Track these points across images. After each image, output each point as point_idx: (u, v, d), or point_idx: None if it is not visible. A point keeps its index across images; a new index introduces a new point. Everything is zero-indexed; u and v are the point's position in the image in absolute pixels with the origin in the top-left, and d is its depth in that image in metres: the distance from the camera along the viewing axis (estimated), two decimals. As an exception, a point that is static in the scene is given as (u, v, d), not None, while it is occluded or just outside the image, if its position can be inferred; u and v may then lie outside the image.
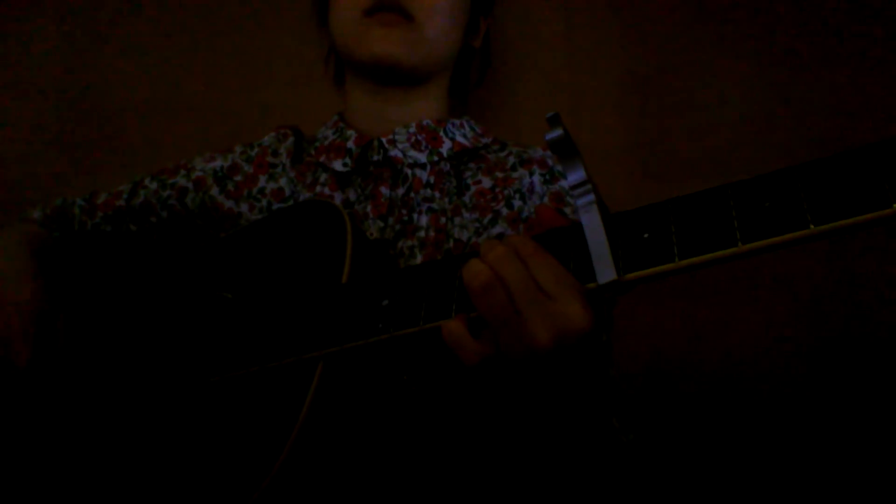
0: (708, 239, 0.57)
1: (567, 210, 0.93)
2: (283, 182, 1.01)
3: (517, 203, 0.94)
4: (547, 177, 0.96)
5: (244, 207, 1.00)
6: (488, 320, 0.62)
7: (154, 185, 1.05)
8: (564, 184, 0.96)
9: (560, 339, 0.60)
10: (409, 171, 0.97)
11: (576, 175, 0.63)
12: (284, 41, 1.38)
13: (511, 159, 1.00)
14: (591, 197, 0.62)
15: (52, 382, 0.86)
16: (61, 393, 0.86)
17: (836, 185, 0.54)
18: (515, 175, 0.97)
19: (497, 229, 0.92)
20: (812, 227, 0.53)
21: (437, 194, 0.96)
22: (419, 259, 0.91)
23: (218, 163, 1.05)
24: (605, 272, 0.59)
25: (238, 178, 1.04)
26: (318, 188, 0.98)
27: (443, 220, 0.94)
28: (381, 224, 0.94)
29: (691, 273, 0.58)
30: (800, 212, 0.54)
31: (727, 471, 1.15)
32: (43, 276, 0.88)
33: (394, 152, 0.97)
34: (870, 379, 1.15)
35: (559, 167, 0.97)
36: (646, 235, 0.60)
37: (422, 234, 0.93)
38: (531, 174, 0.96)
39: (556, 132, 0.62)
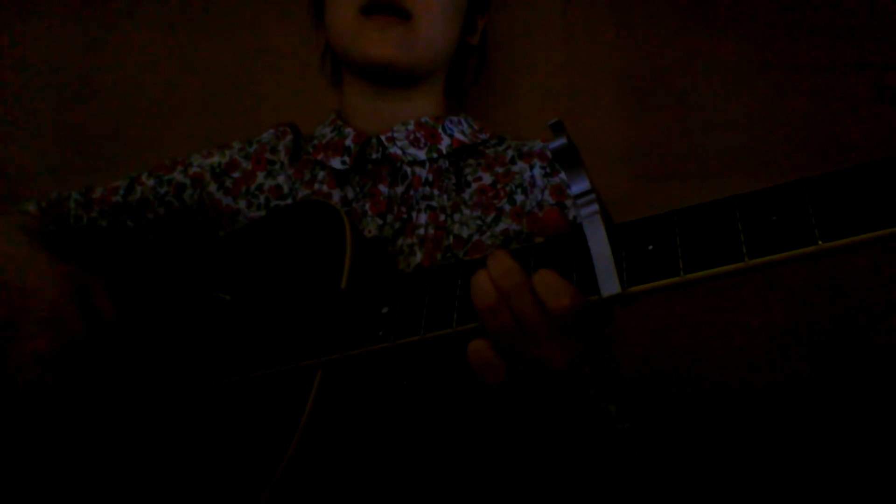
0: (714, 253, 0.56)
1: (568, 203, 0.93)
2: (281, 179, 1.01)
3: (519, 197, 0.94)
4: (548, 169, 0.96)
5: (242, 204, 1.00)
6: (498, 339, 0.62)
7: (151, 182, 1.03)
8: (565, 177, 0.95)
9: (573, 361, 0.61)
10: (408, 169, 0.96)
11: (579, 185, 0.61)
12: (282, 39, 1.37)
13: (510, 153, 0.99)
14: (595, 207, 0.60)
15: (115, 360, 0.83)
16: (66, 394, 0.85)
17: (844, 200, 0.53)
18: (515, 169, 0.96)
19: (501, 226, 0.92)
20: (820, 243, 0.52)
21: (435, 192, 0.95)
22: (419, 257, 0.90)
23: (216, 159, 1.04)
24: (609, 285, 0.58)
25: (236, 174, 1.03)
26: (317, 186, 0.98)
27: (442, 217, 0.93)
28: (380, 222, 0.93)
29: (695, 285, 0.58)
30: (808, 227, 0.53)
31: (725, 468, 1.16)
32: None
33: (393, 150, 0.96)
34: (867, 377, 1.15)
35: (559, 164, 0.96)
36: (650, 247, 0.59)
37: (421, 231, 0.92)
38: (531, 167, 0.96)
39: (560, 140, 0.61)
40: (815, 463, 1.13)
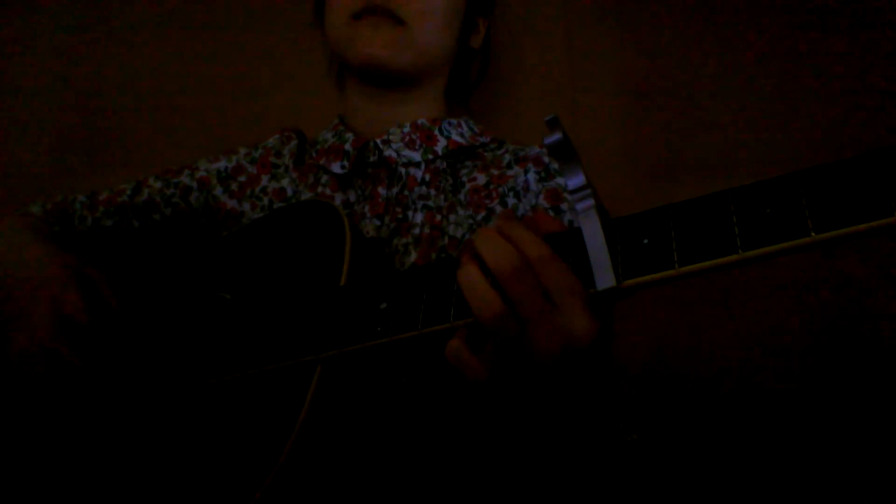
0: (708, 246, 0.56)
1: (564, 206, 0.93)
2: (285, 182, 1.02)
3: (511, 201, 0.94)
4: (542, 174, 0.96)
5: (246, 206, 1.01)
6: (493, 339, 0.62)
7: (158, 184, 1.05)
8: (560, 181, 0.95)
9: (565, 350, 0.60)
10: (402, 170, 0.97)
11: (575, 180, 0.62)
12: (287, 43, 1.38)
13: (507, 157, 0.99)
14: (591, 202, 0.61)
15: (117, 355, 0.85)
16: (66, 391, 0.86)
17: (838, 192, 0.53)
18: (510, 173, 0.97)
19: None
20: (813, 234, 0.53)
21: (432, 192, 0.96)
22: (413, 256, 0.91)
23: (222, 163, 1.06)
24: (605, 279, 0.59)
25: (241, 178, 1.04)
26: (320, 189, 0.99)
27: (438, 217, 0.94)
28: (378, 223, 0.94)
29: (691, 279, 0.58)
30: (801, 219, 0.53)
31: (729, 470, 1.15)
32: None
33: (388, 152, 0.97)
34: (869, 376, 1.15)
35: (555, 165, 0.96)
36: (645, 241, 0.59)
37: (416, 231, 0.93)
38: (526, 172, 0.96)
39: (556, 136, 0.61)
40: (818, 464, 1.13)
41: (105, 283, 0.86)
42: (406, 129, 1.00)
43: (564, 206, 0.93)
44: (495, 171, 0.97)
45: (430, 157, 0.98)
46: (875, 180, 0.52)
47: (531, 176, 0.96)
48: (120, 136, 1.38)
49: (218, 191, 1.04)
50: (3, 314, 0.84)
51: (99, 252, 0.98)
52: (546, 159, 0.97)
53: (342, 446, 0.73)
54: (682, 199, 0.61)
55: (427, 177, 0.97)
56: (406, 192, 0.96)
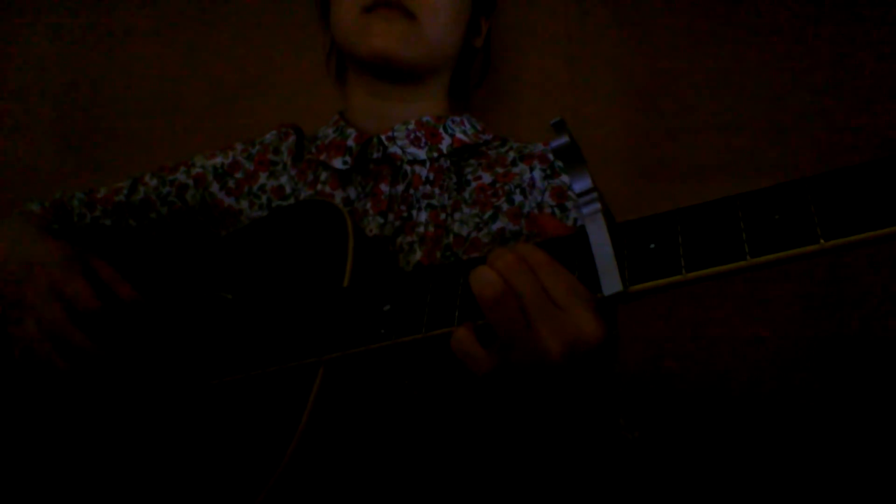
0: (716, 251, 0.56)
1: (569, 204, 0.93)
2: (283, 180, 1.02)
3: (518, 198, 0.94)
4: (548, 172, 0.96)
5: (244, 204, 1.01)
6: (498, 331, 0.61)
7: (154, 182, 1.05)
8: (565, 179, 0.95)
9: (571, 350, 0.59)
10: (408, 168, 0.97)
11: (581, 183, 0.61)
12: (285, 40, 1.37)
13: (511, 155, 0.99)
14: (597, 206, 0.60)
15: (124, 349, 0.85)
16: (66, 391, 0.86)
17: (847, 198, 0.53)
18: (516, 170, 0.97)
19: (497, 224, 0.92)
20: (822, 241, 0.52)
21: (436, 190, 0.96)
22: (418, 255, 0.91)
23: (218, 160, 1.06)
24: (611, 283, 0.58)
25: (239, 175, 1.04)
26: (319, 186, 0.99)
27: (442, 216, 0.93)
28: (381, 221, 0.93)
29: (697, 284, 0.58)
30: (810, 226, 0.53)
31: (729, 469, 1.15)
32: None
33: (393, 149, 0.97)
34: (870, 378, 1.15)
35: (560, 163, 0.96)
36: (652, 246, 0.59)
37: (421, 229, 0.93)
38: (531, 169, 0.96)
39: (562, 139, 0.61)
40: (817, 464, 1.13)
41: (112, 272, 0.86)
42: (411, 127, 1.00)
43: (570, 204, 0.93)
44: (500, 169, 0.97)
45: (435, 155, 0.98)
46: (884, 187, 0.52)
47: (537, 173, 0.96)
48: (120, 134, 1.38)
49: (215, 187, 1.03)
50: (11, 304, 0.85)
51: (98, 251, 0.98)
52: (551, 157, 0.97)
53: (345, 448, 0.73)
54: (682, 200, 0.61)
55: (431, 175, 0.97)
56: (411, 191, 0.95)
